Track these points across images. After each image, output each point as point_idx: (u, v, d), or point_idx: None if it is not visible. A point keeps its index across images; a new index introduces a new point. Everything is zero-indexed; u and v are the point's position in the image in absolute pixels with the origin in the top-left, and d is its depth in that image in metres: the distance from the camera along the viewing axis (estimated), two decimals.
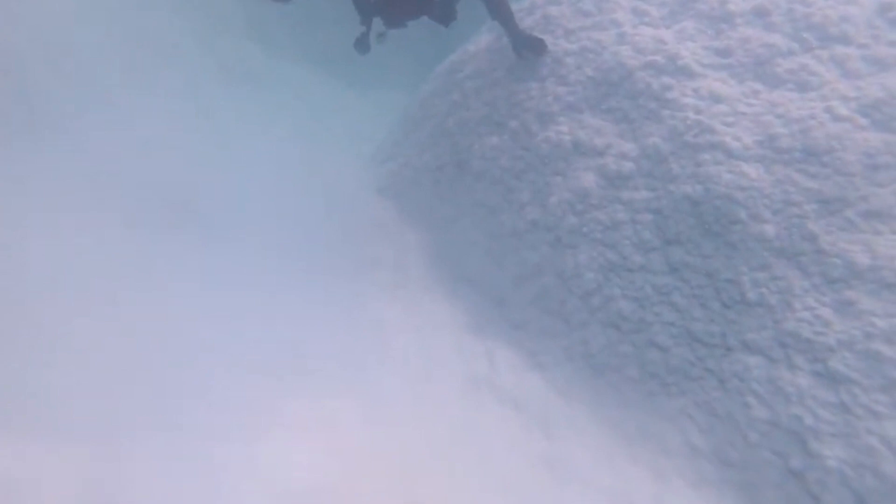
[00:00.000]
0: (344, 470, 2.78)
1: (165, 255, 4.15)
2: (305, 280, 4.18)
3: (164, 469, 2.51)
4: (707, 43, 4.34)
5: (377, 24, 4.49)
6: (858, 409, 3.20)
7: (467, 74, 5.46)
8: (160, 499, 2.48)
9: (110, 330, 3.20)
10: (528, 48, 4.82)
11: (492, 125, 4.90)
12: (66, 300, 3.38)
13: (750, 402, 3.52)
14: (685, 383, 3.76)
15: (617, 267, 4.04)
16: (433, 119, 5.57)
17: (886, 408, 3.15)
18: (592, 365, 4.02)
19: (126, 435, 2.64)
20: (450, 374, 3.77)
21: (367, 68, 7.94)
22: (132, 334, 3.28)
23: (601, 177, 4.20)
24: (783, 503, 3.27)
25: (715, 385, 3.66)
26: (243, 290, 3.94)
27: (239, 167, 5.39)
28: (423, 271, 4.62)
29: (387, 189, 5.49)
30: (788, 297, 3.57)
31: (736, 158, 3.86)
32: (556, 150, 4.41)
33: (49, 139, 4.84)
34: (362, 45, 4.58)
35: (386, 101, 7.94)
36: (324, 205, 5.14)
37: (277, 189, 5.30)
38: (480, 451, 3.25)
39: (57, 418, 2.64)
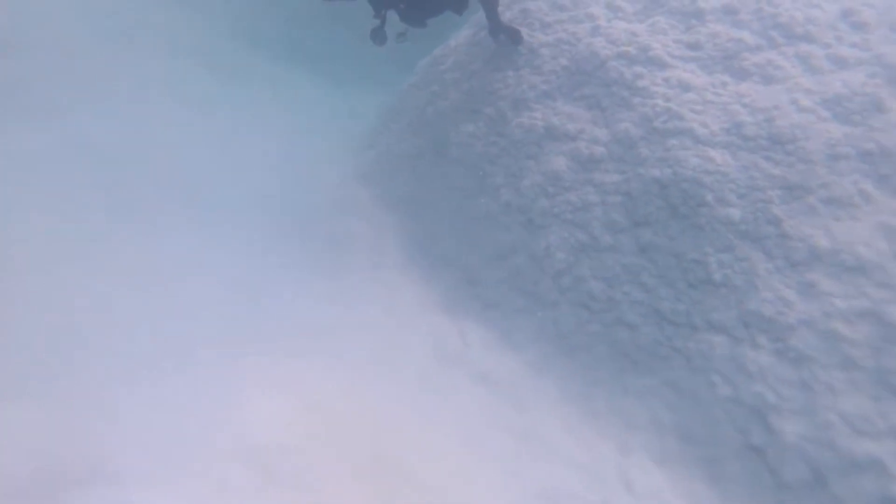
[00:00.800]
0: (311, 426, 2.75)
1: (148, 234, 4.12)
2: (286, 257, 4.16)
3: (145, 418, 2.47)
4: (678, 36, 4.46)
5: (396, 22, 4.48)
6: (817, 385, 3.29)
7: (447, 67, 5.52)
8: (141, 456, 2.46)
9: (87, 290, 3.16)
10: (505, 35, 4.85)
11: (468, 113, 4.94)
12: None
13: (714, 380, 3.58)
14: (653, 361, 3.82)
15: (587, 247, 4.10)
16: (413, 109, 5.61)
17: (844, 384, 3.24)
18: (563, 343, 4.06)
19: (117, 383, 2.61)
20: (421, 346, 3.76)
21: (352, 67, 7.98)
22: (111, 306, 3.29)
23: (573, 160, 4.27)
24: (744, 478, 3.32)
25: (681, 363, 3.72)
26: (228, 264, 3.91)
27: (227, 157, 5.41)
28: (399, 252, 4.64)
29: (368, 175, 5.51)
30: (752, 278, 3.66)
31: (703, 144, 3.96)
32: (529, 134, 4.47)
33: (43, 125, 4.85)
34: (378, 36, 4.54)
35: (370, 98, 7.96)
36: (305, 190, 5.16)
37: (262, 176, 5.31)
38: (448, 417, 3.25)
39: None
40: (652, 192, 4.02)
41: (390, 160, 5.36)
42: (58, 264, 3.67)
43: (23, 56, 5.08)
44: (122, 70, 6.07)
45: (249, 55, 7.56)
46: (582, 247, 4.11)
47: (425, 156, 5.03)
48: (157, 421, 2.68)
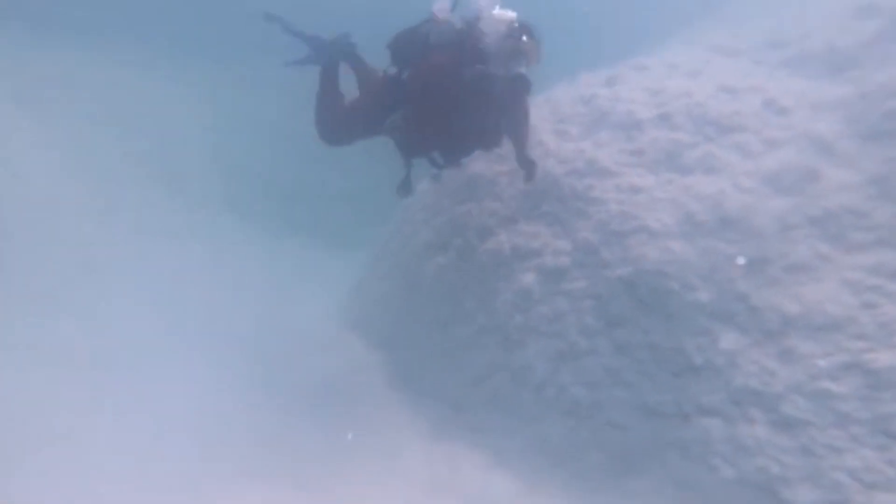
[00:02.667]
0: None
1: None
2: (277, 393, 4.22)
3: None
4: (621, 146, 4.76)
5: (422, 165, 4.54)
6: (819, 448, 3.16)
7: (416, 209, 5.83)
8: None
9: None
10: (526, 170, 4.71)
11: (438, 248, 5.15)
12: None
13: (716, 463, 3.45)
14: (649, 459, 3.69)
15: (565, 355, 4.10)
16: (390, 254, 5.86)
17: (844, 442, 3.12)
18: (555, 455, 3.95)
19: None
20: (412, 475, 3.67)
21: (337, 233, 8.40)
22: None
23: (540, 274, 4.38)
24: None
25: (678, 455, 3.60)
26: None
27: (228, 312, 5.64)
28: (385, 387, 4.64)
29: (355, 322, 5.66)
30: (732, 356, 3.63)
31: (660, 237, 4.08)
32: (497, 257, 4.63)
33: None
34: (405, 188, 4.54)
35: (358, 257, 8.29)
36: (297, 340, 5.32)
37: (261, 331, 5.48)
38: None
39: None
40: (619, 291, 4.08)
41: (372, 303, 5.50)
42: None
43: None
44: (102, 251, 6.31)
45: (242, 231, 7.95)
46: (560, 355, 4.11)
47: (402, 293, 5.17)
48: None
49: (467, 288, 4.70)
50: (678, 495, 3.53)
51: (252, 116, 9.64)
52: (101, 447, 3.52)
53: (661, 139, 4.67)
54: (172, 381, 4.43)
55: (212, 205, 8.28)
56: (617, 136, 4.88)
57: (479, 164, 5.24)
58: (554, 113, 5.44)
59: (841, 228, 3.76)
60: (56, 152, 6.93)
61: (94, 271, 5.74)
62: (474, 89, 4.06)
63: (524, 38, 3.96)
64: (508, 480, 3.79)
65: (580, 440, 3.87)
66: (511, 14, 4.08)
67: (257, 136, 9.51)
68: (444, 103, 4.13)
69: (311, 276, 7.31)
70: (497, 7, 4.15)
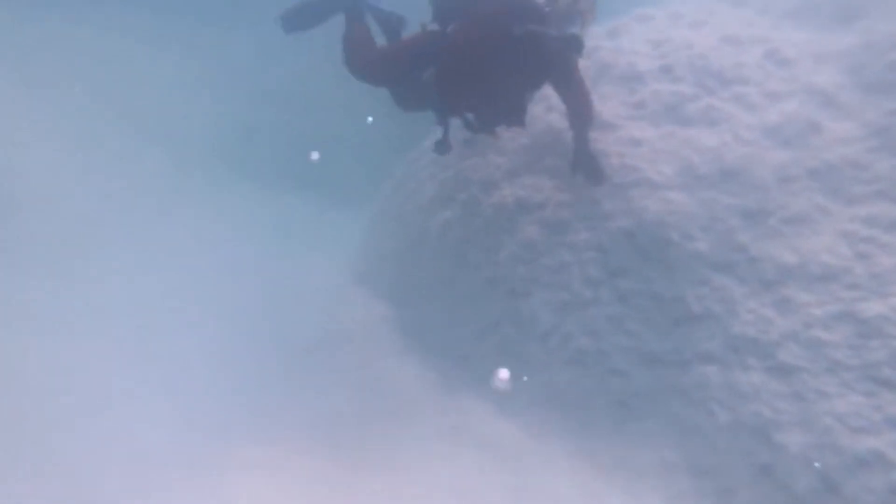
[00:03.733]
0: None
1: None
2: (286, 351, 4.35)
3: None
4: (624, 99, 4.78)
5: (458, 128, 4.33)
6: (810, 394, 3.30)
7: (422, 165, 5.88)
8: None
9: None
10: (585, 172, 4.37)
11: (444, 202, 5.22)
12: None
13: (713, 408, 3.59)
14: (651, 404, 3.83)
15: (570, 305, 4.21)
16: (395, 208, 5.94)
17: (834, 387, 3.25)
18: (559, 403, 4.09)
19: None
20: (426, 429, 3.83)
21: (343, 187, 8.43)
22: None
23: (544, 227, 4.47)
24: (758, 500, 3.26)
25: (679, 400, 3.74)
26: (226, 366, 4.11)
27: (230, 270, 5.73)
28: (394, 341, 4.78)
29: (362, 276, 5.78)
30: (731, 304, 3.74)
31: (661, 188, 4.15)
32: (501, 211, 4.70)
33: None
34: (442, 146, 4.32)
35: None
36: (307, 295, 5.43)
37: (265, 286, 5.57)
38: (449, 481, 3.27)
39: None
40: (622, 243, 4.18)
41: (379, 258, 5.60)
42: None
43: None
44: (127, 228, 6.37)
45: (247, 187, 7.99)
46: (564, 305, 4.23)
47: (408, 248, 5.26)
48: None
49: (472, 241, 4.79)
50: (678, 438, 3.68)
51: (245, 73, 9.56)
52: (111, 409, 3.65)
53: (662, 91, 4.69)
54: (181, 340, 4.54)
55: (211, 164, 8.29)
56: (619, 89, 4.90)
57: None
58: None
59: (841, 181, 3.84)
60: (42, 118, 6.90)
61: (95, 237, 5.80)
62: (522, 49, 3.76)
63: None
64: (516, 428, 3.95)
65: (584, 387, 4.01)
66: None
67: (253, 93, 9.45)
68: (487, 60, 3.84)
69: (317, 232, 7.38)
70: None
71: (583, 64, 4.33)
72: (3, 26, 7.67)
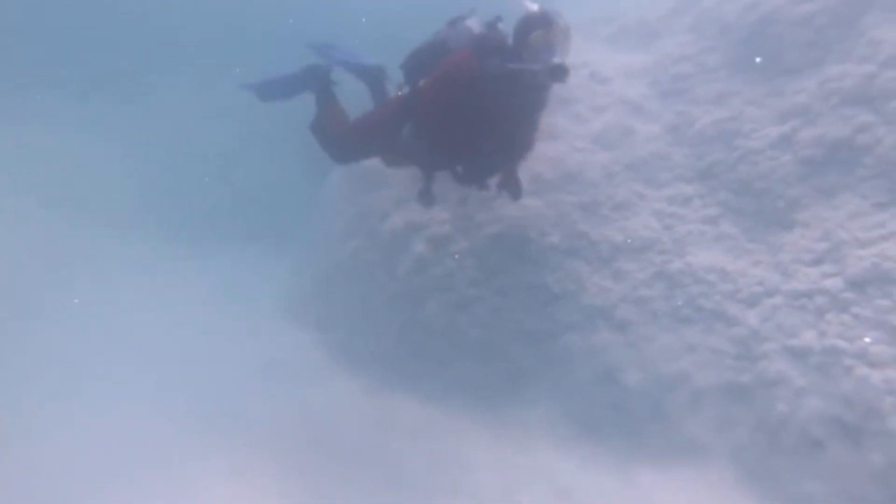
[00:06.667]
0: None
1: None
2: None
3: None
4: None
5: (452, 185, 4.39)
6: (640, 340, 4.23)
7: (328, 203, 6.70)
8: None
9: None
10: (510, 190, 4.62)
11: (351, 233, 6.04)
12: None
13: (578, 366, 4.48)
14: (534, 374, 4.70)
15: (460, 305, 5.06)
16: (314, 242, 6.75)
17: (654, 331, 4.20)
18: (467, 387, 4.91)
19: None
20: (358, 427, 4.63)
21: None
22: None
23: (430, 242, 5.32)
24: (616, 429, 4.17)
25: (553, 366, 4.61)
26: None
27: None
28: (323, 360, 5.55)
29: (291, 311, 6.55)
30: (581, 282, 4.66)
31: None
32: (395, 234, 5.53)
33: None
34: (426, 197, 4.38)
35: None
36: (246, 340, 6.15)
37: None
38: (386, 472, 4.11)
39: None
40: (493, 247, 5.05)
41: (303, 292, 6.38)
42: None
43: None
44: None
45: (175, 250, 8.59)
46: (455, 305, 5.07)
47: (327, 279, 6.06)
48: None
49: (376, 263, 5.61)
50: (558, 396, 4.55)
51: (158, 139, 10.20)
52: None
53: None
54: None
55: (135, 232, 8.84)
56: None
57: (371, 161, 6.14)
58: None
59: (650, 171, 4.83)
60: None
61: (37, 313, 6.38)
62: (499, 86, 3.75)
63: (552, 27, 3.67)
64: (435, 414, 4.76)
65: (484, 372, 4.84)
66: (533, 6, 3.80)
67: (171, 156, 10.09)
68: (465, 104, 3.80)
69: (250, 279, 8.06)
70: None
71: None
72: None
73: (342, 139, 4.43)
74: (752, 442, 3.52)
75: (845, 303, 3.39)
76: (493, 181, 4.46)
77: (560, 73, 3.58)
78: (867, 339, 3.18)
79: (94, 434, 4.50)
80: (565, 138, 5.28)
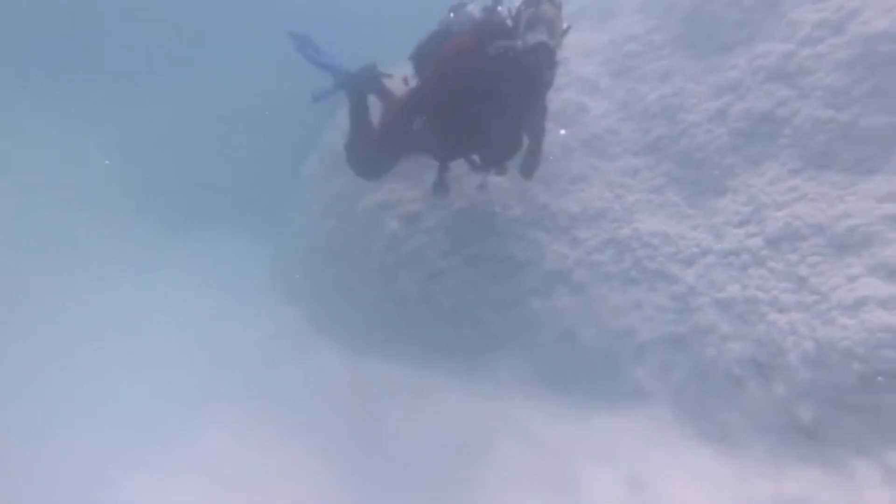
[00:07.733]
0: None
1: None
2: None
3: None
4: None
5: (468, 174, 4.54)
6: (593, 301, 4.65)
7: (307, 187, 7.06)
8: None
9: None
10: (527, 170, 4.73)
11: (327, 214, 6.41)
12: None
13: (542, 327, 4.89)
14: (503, 337, 5.12)
15: (433, 275, 5.45)
16: (296, 223, 7.13)
17: (605, 291, 4.61)
18: (439, 352, 5.34)
19: None
20: (338, 392, 5.05)
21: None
22: None
23: (402, 220, 5.69)
24: (574, 381, 4.59)
25: (520, 328, 5.03)
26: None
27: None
28: (307, 333, 5.96)
29: (276, 288, 6.96)
30: (542, 250, 5.06)
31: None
32: (370, 213, 5.91)
33: None
34: (440, 189, 4.45)
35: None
36: (236, 317, 6.56)
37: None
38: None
39: None
40: (463, 221, 5.43)
41: (286, 270, 6.77)
42: None
43: None
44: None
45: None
46: (429, 276, 5.47)
47: (307, 256, 6.45)
48: None
49: (352, 241, 5.99)
50: (527, 356, 4.98)
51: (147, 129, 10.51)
52: None
53: None
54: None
55: (127, 221, 9.20)
56: None
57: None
58: None
59: (603, 145, 5.21)
60: None
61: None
62: (501, 70, 3.72)
63: (543, 4, 3.67)
64: (412, 376, 5.18)
65: (457, 337, 5.26)
66: None
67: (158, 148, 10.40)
68: (467, 89, 3.81)
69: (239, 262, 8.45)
70: None
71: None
72: None
73: (367, 152, 4.58)
74: (688, 384, 3.97)
75: (763, 258, 3.82)
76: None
77: (543, 51, 3.58)
78: (778, 289, 3.62)
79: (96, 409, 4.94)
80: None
